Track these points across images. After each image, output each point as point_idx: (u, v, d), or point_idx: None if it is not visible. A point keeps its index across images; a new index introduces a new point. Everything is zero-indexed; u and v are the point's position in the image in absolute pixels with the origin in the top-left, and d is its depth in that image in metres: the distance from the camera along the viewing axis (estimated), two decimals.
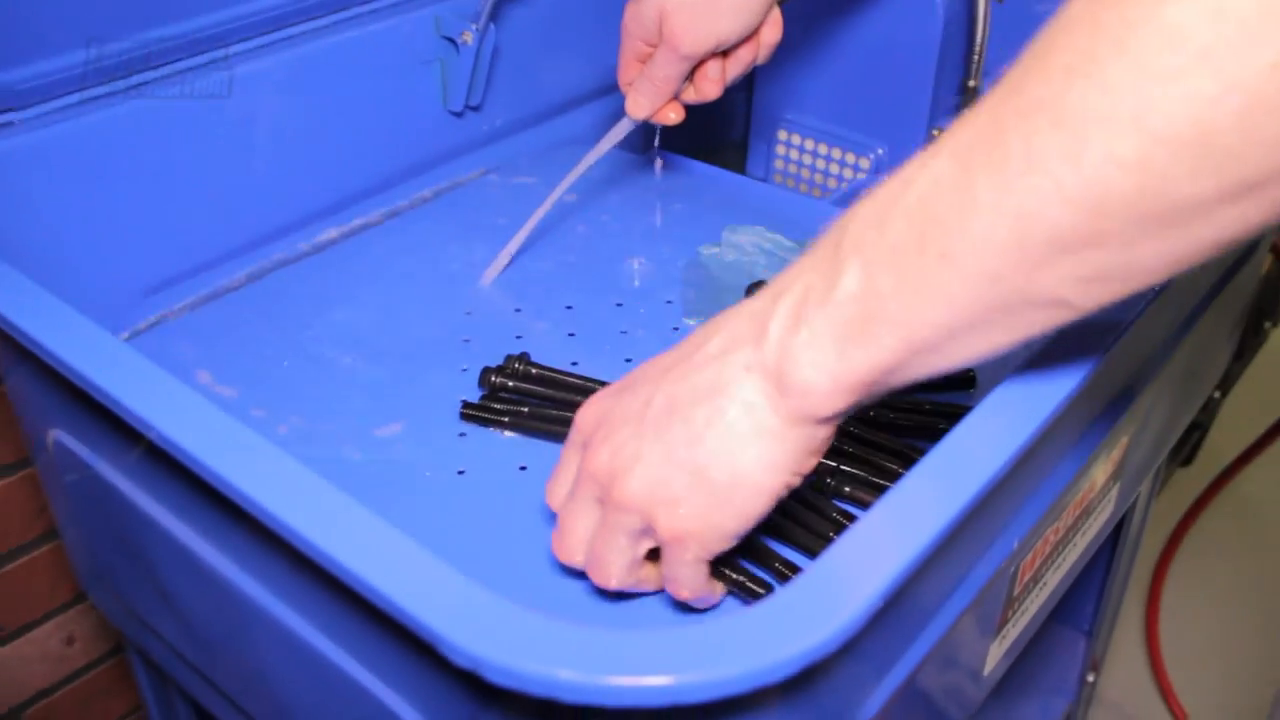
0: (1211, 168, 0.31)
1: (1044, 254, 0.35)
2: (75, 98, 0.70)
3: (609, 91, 1.03)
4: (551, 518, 0.57)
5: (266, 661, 0.56)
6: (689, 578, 0.46)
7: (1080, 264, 0.35)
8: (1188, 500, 1.36)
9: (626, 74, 0.74)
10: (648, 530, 0.45)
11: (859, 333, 0.39)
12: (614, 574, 0.47)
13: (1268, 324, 1.61)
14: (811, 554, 0.57)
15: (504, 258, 0.78)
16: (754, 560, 0.56)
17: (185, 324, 0.74)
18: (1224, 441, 1.65)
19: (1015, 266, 0.35)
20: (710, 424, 0.42)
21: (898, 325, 0.38)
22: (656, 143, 0.74)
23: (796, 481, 0.44)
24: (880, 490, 0.60)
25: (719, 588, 0.50)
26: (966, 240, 0.36)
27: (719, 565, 0.53)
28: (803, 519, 0.58)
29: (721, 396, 0.42)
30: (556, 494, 0.50)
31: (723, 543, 0.45)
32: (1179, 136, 0.30)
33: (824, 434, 0.43)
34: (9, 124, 0.67)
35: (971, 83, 0.96)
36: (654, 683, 0.35)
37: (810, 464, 0.44)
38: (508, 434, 0.65)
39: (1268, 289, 1.57)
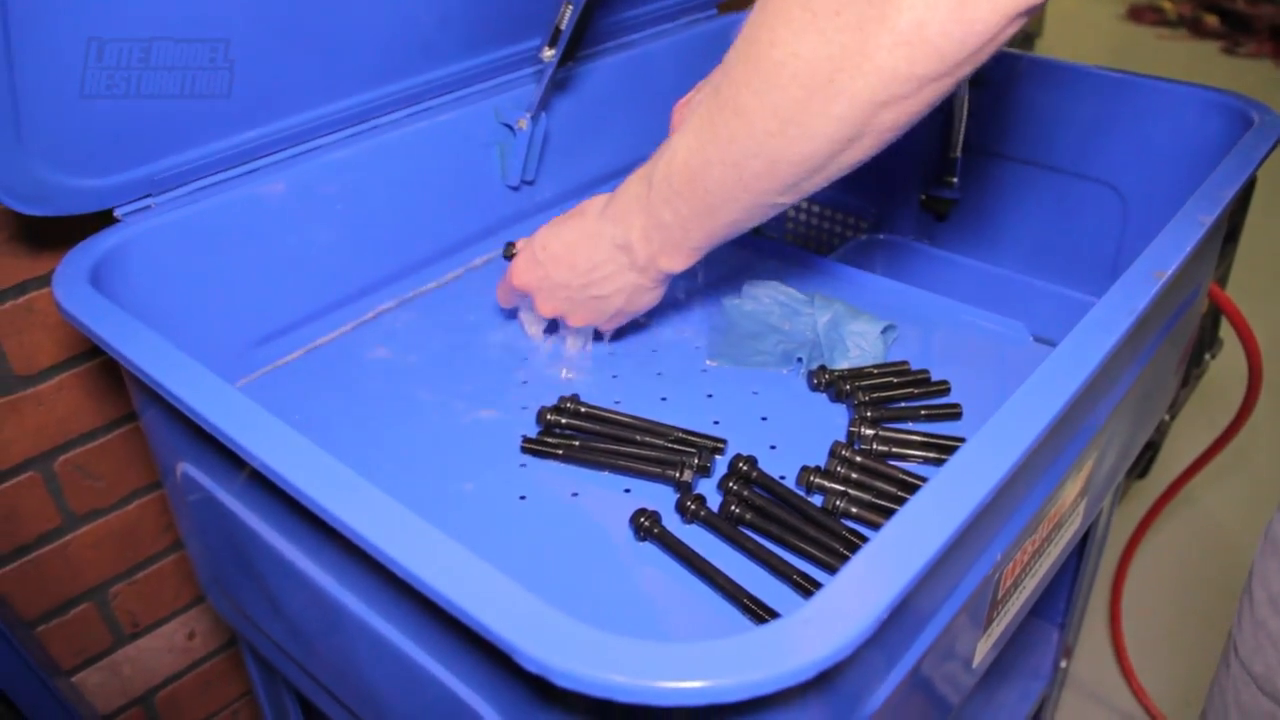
0: (812, 138, 0.49)
1: (751, 184, 0.53)
2: (198, 184, 0.71)
3: (639, 165, 1.03)
4: (600, 539, 0.57)
5: (358, 659, 0.55)
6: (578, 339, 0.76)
7: (775, 187, 0.52)
8: (1144, 508, 1.34)
9: None
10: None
11: (681, 242, 0.60)
12: (545, 314, 0.71)
13: (1208, 355, 1.59)
14: (826, 568, 0.57)
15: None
16: (775, 574, 0.56)
17: (288, 372, 0.75)
18: (1174, 457, 1.63)
19: (742, 191, 0.53)
20: (607, 295, 0.67)
21: (702, 234, 0.59)
22: None
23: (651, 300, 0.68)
24: (884, 513, 0.59)
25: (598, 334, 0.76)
26: (717, 182, 0.54)
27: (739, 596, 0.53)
28: (816, 538, 0.57)
29: (613, 285, 0.66)
30: (515, 278, 0.71)
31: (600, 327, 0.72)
32: (790, 123, 0.49)
33: (662, 287, 0.67)
34: (147, 207, 0.69)
35: (952, 153, 0.95)
36: (694, 686, 0.35)
37: (655, 299, 0.68)
38: (561, 464, 0.65)
39: (1206, 326, 1.56)
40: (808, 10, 0.45)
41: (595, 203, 0.65)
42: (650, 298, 0.67)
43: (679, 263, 0.62)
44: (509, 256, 0.80)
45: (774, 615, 0.53)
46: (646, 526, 0.58)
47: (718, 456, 0.65)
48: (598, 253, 0.64)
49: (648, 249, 0.62)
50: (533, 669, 0.36)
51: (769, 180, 0.52)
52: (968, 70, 0.46)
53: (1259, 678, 0.64)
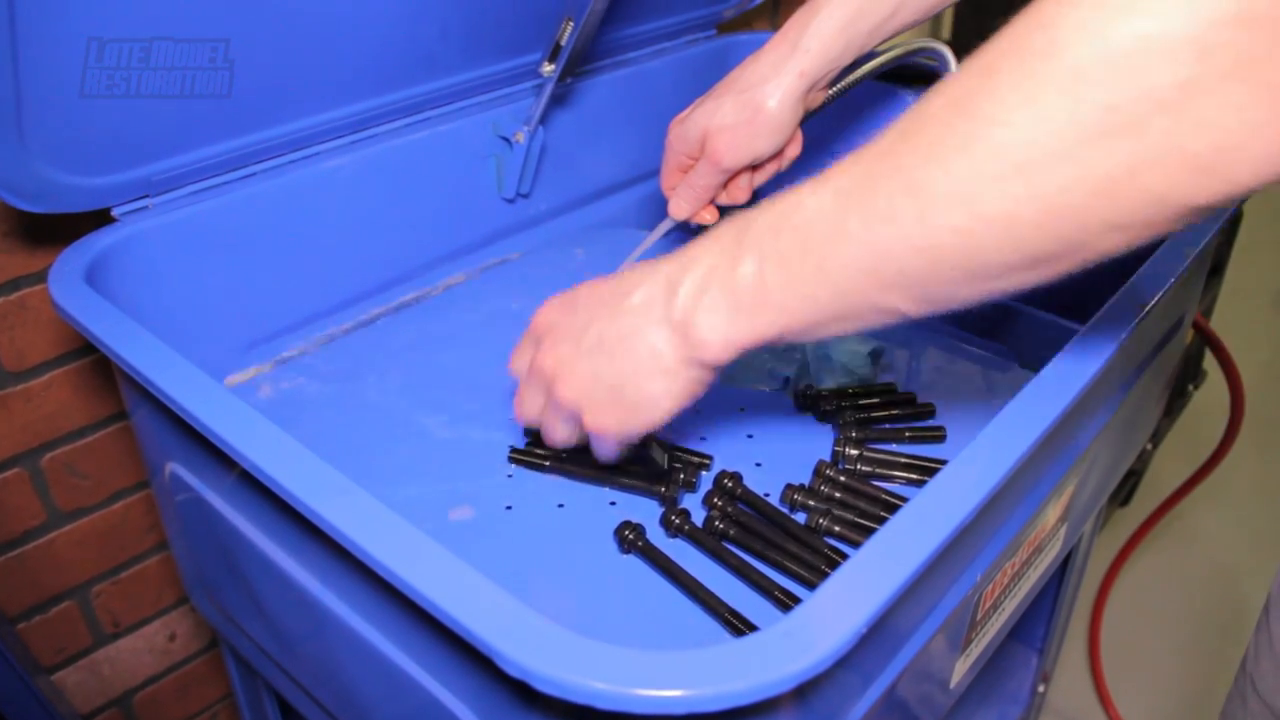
0: (1015, 247, 0.37)
1: (891, 282, 0.40)
2: (196, 187, 0.71)
3: (635, 181, 1.04)
4: (584, 550, 0.57)
5: (341, 662, 0.56)
6: (604, 452, 0.56)
7: (915, 290, 0.40)
8: (1125, 535, 1.35)
9: (669, 181, 0.74)
10: (578, 419, 0.53)
11: (747, 310, 0.44)
12: (558, 441, 0.56)
13: (1191, 386, 1.61)
14: (807, 585, 0.57)
15: None
16: (756, 589, 0.56)
17: (279, 374, 0.75)
18: (1156, 485, 1.64)
19: (868, 285, 0.41)
20: (628, 357, 0.49)
21: (778, 311, 0.44)
22: (693, 226, 0.76)
23: (687, 404, 0.50)
24: (865, 531, 0.60)
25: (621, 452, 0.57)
26: (836, 261, 0.41)
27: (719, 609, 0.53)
28: (799, 554, 0.58)
29: (638, 339, 0.48)
30: (517, 367, 0.57)
31: (627, 438, 0.53)
32: (995, 221, 0.36)
33: (710, 377, 0.49)
34: (145, 207, 0.69)
35: None
36: (674, 695, 0.35)
37: (698, 393, 0.50)
38: (548, 476, 0.65)
39: (1190, 358, 1.57)
40: (1068, 95, 0.33)
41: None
42: (659, 386, 0.49)
43: (718, 335, 0.46)
44: (532, 434, 0.68)
45: (754, 629, 0.53)
46: (631, 539, 0.59)
47: (703, 472, 0.66)
48: (633, 279, 0.50)
49: (696, 297, 0.46)
50: (514, 673, 0.36)
51: (918, 286, 0.40)
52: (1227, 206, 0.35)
53: None
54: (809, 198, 0.42)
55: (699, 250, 0.47)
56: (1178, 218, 0.35)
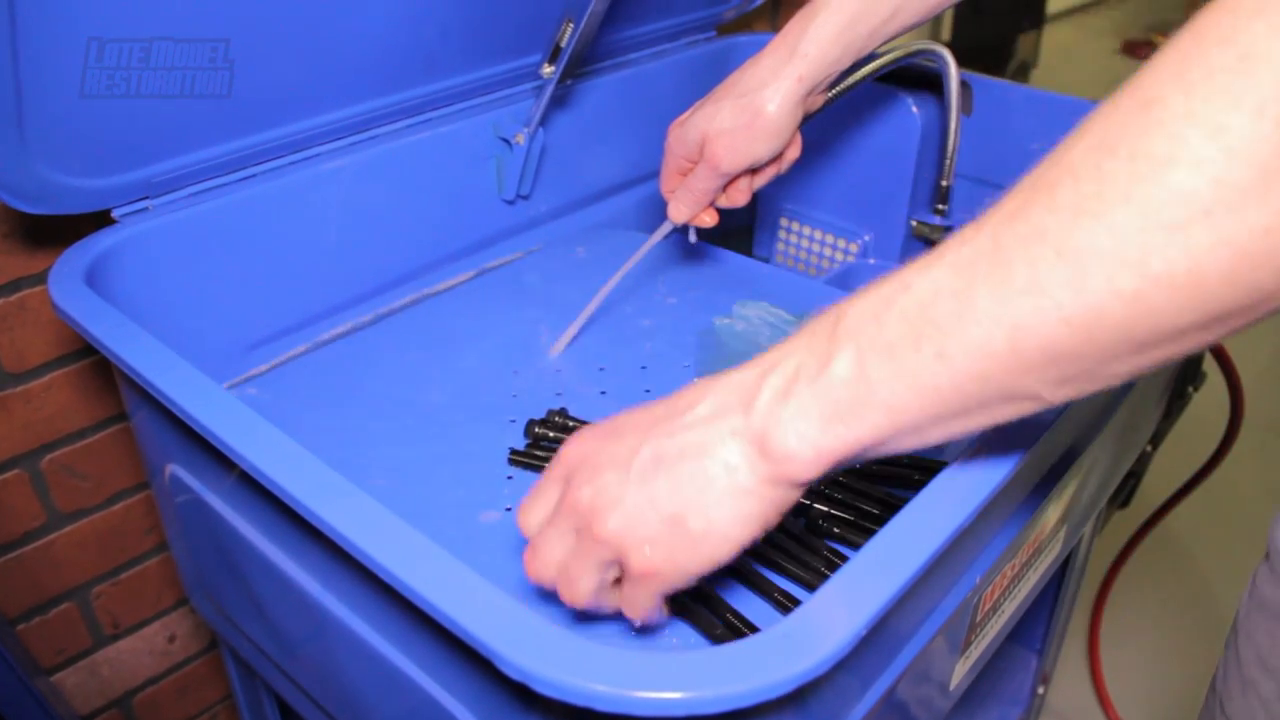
0: (1196, 305, 0.31)
1: (1034, 362, 0.34)
2: (196, 188, 0.71)
3: (635, 183, 1.04)
4: None
5: (341, 664, 0.56)
6: (645, 606, 0.44)
7: (1061, 371, 0.34)
8: (1125, 537, 1.35)
9: (668, 184, 0.74)
10: (617, 563, 0.43)
11: (846, 412, 0.38)
12: (582, 595, 0.44)
13: (1190, 388, 1.60)
14: (806, 586, 0.57)
15: (570, 332, 0.78)
16: (756, 591, 0.56)
17: (279, 375, 0.75)
18: (1155, 488, 1.64)
19: (1005, 370, 0.35)
20: (693, 478, 0.40)
21: (886, 410, 0.37)
22: (691, 237, 0.76)
23: (761, 535, 0.41)
24: (865, 532, 0.60)
25: (665, 611, 0.49)
26: (962, 344, 0.35)
27: (712, 606, 0.53)
28: (798, 556, 0.58)
29: (706, 456, 0.40)
30: (530, 519, 0.46)
31: (684, 582, 0.42)
32: (1174, 279, 0.30)
33: (795, 496, 0.41)
34: (145, 209, 0.69)
35: (944, 181, 0.96)
36: (673, 697, 0.35)
37: (775, 520, 0.41)
38: None
39: (1189, 360, 1.57)
40: (1266, 117, 0.28)
41: None
42: (731, 511, 0.40)
43: (808, 445, 0.38)
44: (532, 435, 0.64)
45: (754, 630, 0.53)
46: None
47: None
48: (696, 392, 0.43)
49: (780, 401, 0.39)
50: (514, 675, 0.36)
51: (1068, 365, 0.34)
52: None
53: None
54: (917, 277, 0.36)
55: (781, 351, 0.40)
56: None
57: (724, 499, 0.40)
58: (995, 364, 0.34)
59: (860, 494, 0.63)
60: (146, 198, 0.69)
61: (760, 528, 0.41)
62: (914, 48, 0.91)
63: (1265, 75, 0.28)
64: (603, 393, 0.74)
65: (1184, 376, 1.54)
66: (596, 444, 0.44)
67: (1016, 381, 0.35)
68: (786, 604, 0.55)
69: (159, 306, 0.69)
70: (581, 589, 0.44)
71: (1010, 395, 0.36)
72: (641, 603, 0.44)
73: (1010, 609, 0.67)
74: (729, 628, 0.54)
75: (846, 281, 1.00)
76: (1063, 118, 0.94)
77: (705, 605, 0.55)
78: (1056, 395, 0.36)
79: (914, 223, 0.99)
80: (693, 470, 0.40)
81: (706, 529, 0.40)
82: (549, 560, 0.45)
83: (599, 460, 0.43)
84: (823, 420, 0.38)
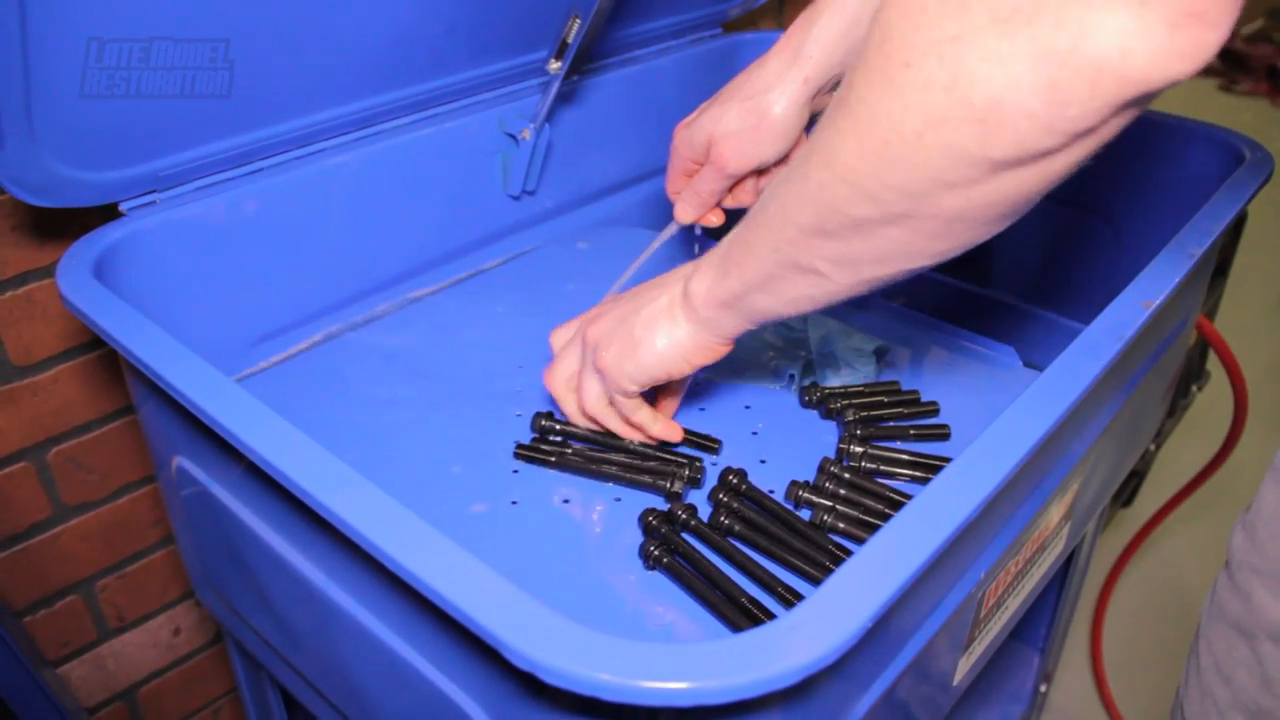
0: (864, 200, 0.43)
1: (797, 236, 0.47)
2: (202, 182, 0.72)
3: (641, 179, 1.04)
4: (588, 544, 0.57)
5: (347, 656, 0.56)
6: (593, 393, 0.64)
7: (821, 249, 0.47)
8: (1128, 535, 1.35)
9: (674, 185, 0.74)
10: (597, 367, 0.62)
11: (721, 275, 0.54)
12: (588, 400, 0.64)
13: (1194, 387, 1.61)
14: (811, 581, 0.57)
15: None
16: (761, 585, 0.57)
17: (286, 369, 0.76)
18: (1159, 487, 1.64)
19: (786, 242, 0.48)
20: (649, 316, 0.60)
21: (739, 270, 0.53)
22: (697, 233, 0.76)
23: (686, 368, 0.60)
24: (869, 528, 0.60)
25: (675, 431, 0.66)
26: (764, 221, 0.50)
27: (736, 600, 0.54)
28: (803, 551, 0.58)
29: (655, 303, 0.60)
30: (558, 337, 0.68)
31: (626, 381, 0.61)
32: (843, 179, 0.43)
33: (708, 340, 0.58)
34: (152, 202, 0.69)
35: None
36: (680, 686, 0.35)
37: (697, 356, 0.59)
38: (554, 471, 0.66)
39: (1193, 358, 1.57)
40: (889, 61, 0.41)
41: None
42: (658, 329, 0.59)
43: (703, 288, 0.56)
44: (538, 429, 0.70)
45: (759, 623, 0.53)
46: (657, 555, 0.58)
47: (713, 457, 0.67)
48: (662, 279, 0.62)
49: (697, 266, 0.57)
50: (522, 666, 0.36)
51: (813, 237, 0.47)
52: (1061, 165, 0.39)
53: None
54: (759, 206, 0.51)
55: (699, 259, 0.57)
56: (980, 171, 0.39)
57: (657, 322, 0.59)
58: (779, 237, 0.49)
59: (864, 490, 0.63)
60: (153, 191, 0.69)
61: (682, 356, 0.59)
62: None
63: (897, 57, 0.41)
64: None
65: (1188, 375, 1.55)
66: (610, 305, 0.63)
67: (798, 254, 0.48)
68: (790, 599, 0.55)
69: (165, 300, 0.69)
70: (588, 396, 0.64)
71: (800, 267, 0.49)
72: (591, 390, 0.64)
73: (1013, 606, 0.67)
74: (745, 614, 0.54)
75: None
76: None
77: (724, 592, 0.55)
78: (837, 275, 0.48)
79: None
80: (649, 312, 0.60)
81: (641, 338, 0.60)
82: (562, 371, 0.66)
83: (605, 316, 0.63)
84: (711, 281, 0.56)
